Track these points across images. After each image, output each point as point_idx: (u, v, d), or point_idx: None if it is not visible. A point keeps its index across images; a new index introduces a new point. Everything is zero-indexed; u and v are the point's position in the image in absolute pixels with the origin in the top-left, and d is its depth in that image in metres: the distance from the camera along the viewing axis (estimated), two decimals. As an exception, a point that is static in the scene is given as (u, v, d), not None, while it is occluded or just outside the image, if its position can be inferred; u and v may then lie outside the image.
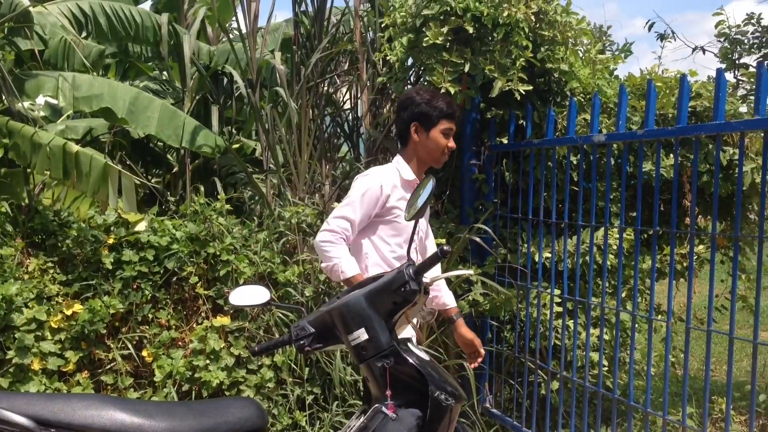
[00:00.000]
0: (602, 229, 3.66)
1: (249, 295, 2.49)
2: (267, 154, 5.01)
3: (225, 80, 6.70)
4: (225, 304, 4.09)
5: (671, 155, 4.13)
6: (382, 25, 4.60)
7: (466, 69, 3.97)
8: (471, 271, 3.15)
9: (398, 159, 3.14)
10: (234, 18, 8.16)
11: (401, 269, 2.22)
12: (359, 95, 5.20)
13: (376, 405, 2.19)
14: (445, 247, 2.16)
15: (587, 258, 3.88)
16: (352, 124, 5.42)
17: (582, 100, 4.32)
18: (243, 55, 5.61)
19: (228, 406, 2.05)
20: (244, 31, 5.38)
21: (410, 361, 2.20)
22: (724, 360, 7.35)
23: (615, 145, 4.02)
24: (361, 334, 2.19)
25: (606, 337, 3.78)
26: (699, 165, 4.11)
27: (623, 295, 4.06)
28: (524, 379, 4.05)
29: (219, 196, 4.51)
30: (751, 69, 6.76)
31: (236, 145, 6.40)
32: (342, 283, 3.01)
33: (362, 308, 2.20)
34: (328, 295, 4.13)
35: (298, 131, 4.76)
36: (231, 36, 7.11)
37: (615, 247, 4.06)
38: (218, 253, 4.14)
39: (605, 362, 3.75)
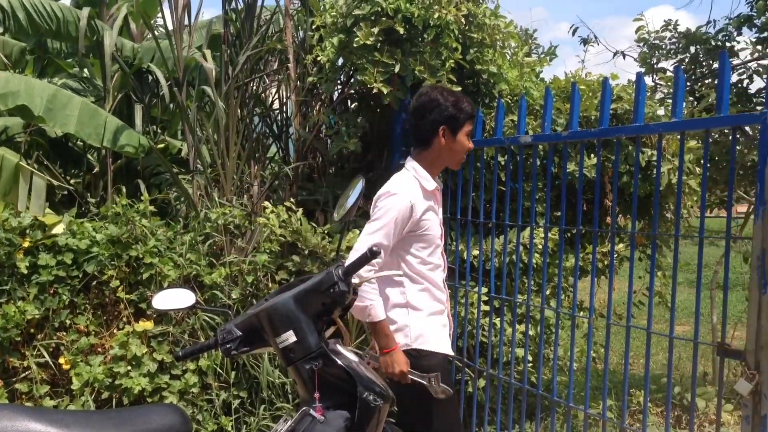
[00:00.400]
0: (528, 228, 3.73)
1: (173, 299, 2.43)
2: (193, 154, 4.90)
3: (150, 78, 6.52)
4: (148, 308, 3.98)
5: (594, 156, 4.24)
6: (313, 26, 4.57)
7: (397, 69, 3.99)
8: (400, 271, 3.16)
9: (415, 166, 2.92)
10: (160, 14, 7.96)
11: (330, 270, 2.20)
12: (289, 95, 5.15)
13: (304, 408, 2.16)
14: (374, 248, 2.16)
15: (514, 257, 3.95)
16: (281, 124, 5.36)
17: (509, 101, 4.39)
18: (169, 53, 5.48)
19: (149, 413, 1.99)
20: (170, 27, 5.25)
21: (339, 362, 2.19)
22: (641, 354, 7.61)
23: (541, 146, 4.10)
24: (290, 337, 2.16)
25: (531, 333, 3.85)
26: (619, 166, 4.24)
27: (548, 292, 4.15)
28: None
29: (142, 197, 4.38)
30: (669, 73, 7.01)
31: (161, 145, 6.24)
32: (367, 326, 2.95)
33: (291, 310, 2.18)
34: (256, 297, 4.07)
35: (225, 131, 4.68)
36: (156, 33, 6.93)
37: (540, 246, 4.15)
38: (141, 255, 4.02)
39: (530, 358, 3.82)
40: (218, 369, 3.98)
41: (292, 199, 4.36)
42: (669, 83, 6.70)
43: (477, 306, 3.95)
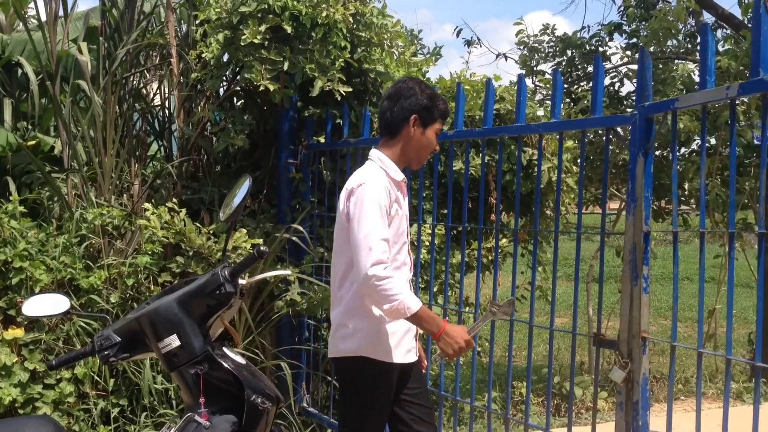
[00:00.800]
0: (416, 225, 3.77)
1: (46, 305, 2.29)
2: (68, 151, 4.65)
3: (20, 71, 6.13)
4: (18, 315, 3.74)
5: (479, 155, 4.36)
6: (197, 21, 4.44)
7: (285, 67, 3.94)
8: (289, 271, 3.13)
9: (380, 156, 2.71)
10: (32, 4, 7.50)
11: (216, 271, 2.15)
12: (171, 91, 4.98)
13: (189, 413, 2.09)
14: (261, 248, 2.12)
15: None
16: (163, 121, 5.18)
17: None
18: (42, 45, 5.17)
19: (21, 425, 1.87)
20: (43, 18, 4.95)
21: (225, 365, 2.13)
22: (524, 346, 7.90)
23: (426, 145, 4.16)
24: (173, 341, 2.09)
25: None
26: (503, 164, 4.37)
27: (435, 289, 4.23)
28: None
29: (11, 197, 4.12)
30: (547, 76, 7.31)
31: (32, 142, 5.88)
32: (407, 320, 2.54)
33: (174, 313, 2.10)
34: (137, 301, 3.91)
35: (103, 128, 4.46)
36: (29, 24, 6.52)
37: (428, 243, 4.22)
38: (10, 259, 3.77)
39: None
40: (96, 377, 3.79)
41: (175, 199, 4.21)
42: (548, 85, 6.98)
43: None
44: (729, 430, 2.29)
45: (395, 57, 4.48)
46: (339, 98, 3.97)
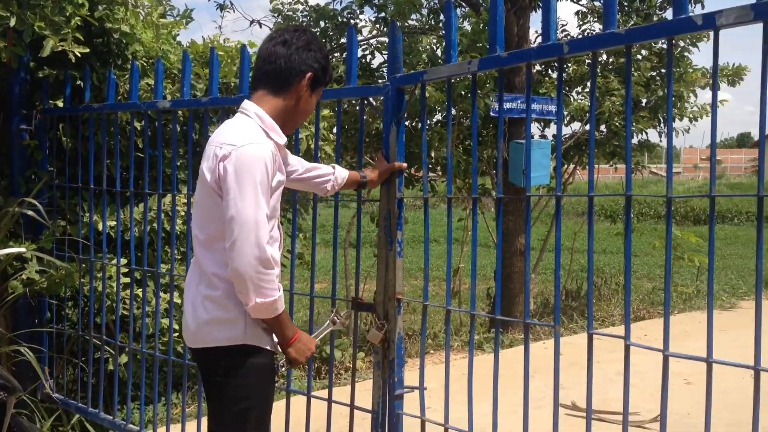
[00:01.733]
0: (170, 196, 3.61)
1: None
2: None
3: None
4: None
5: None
6: None
7: (12, 23, 3.51)
8: (23, 249, 2.82)
9: (260, 113, 2.25)
10: None
11: None
12: None
13: None
14: None
15: (155, 225, 3.80)
16: None
17: (145, 64, 4.17)
18: None
19: None
20: None
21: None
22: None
23: (180, 112, 3.98)
24: None
25: (177, 302, 3.76)
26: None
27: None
28: (89, 357, 3.83)
29: None
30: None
31: None
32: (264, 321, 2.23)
33: None
34: None
35: None
36: None
37: (183, 214, 4.06)
38: None
39: (176, 327, 3.73)
40: None
41: None
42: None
43: (116, 279, 3.73)
44: (473, 376, 2.49)
45: (141, 17, 4.19)
46: (74, 60, 3.63)
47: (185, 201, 3.98)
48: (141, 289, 3.68)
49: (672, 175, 1.97)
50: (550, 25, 2.16)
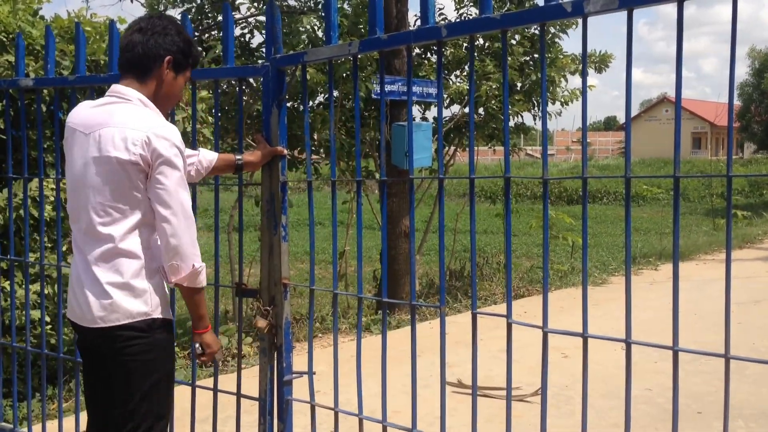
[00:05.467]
0: (36, 180, 3.38)
1: None
2: None
3: None
4: None
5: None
6: None
7: None
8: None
9: (142, 98, 2.25)
10: None
11: None
12: None
13: None
14: None
15: (22, 212, 3.56)
16: None
17: (4, 39, 3.88)
18: None
19: None
20: None
21: None
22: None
23: (46, 91, 3.74)
24: None
25: (48, 292, 3.55)
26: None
27: (64, 248, 3.87)
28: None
29: None
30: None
31: None
32: (188, 292, 2.23)
33: None
34: None
35: None
36: None
37: (52, 199, 3.82)
38: None
39: (48, 319, 3.53)
40: None
41: None
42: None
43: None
44: (362, 358, 2.50)
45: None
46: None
47: (53, 186, 3.74)
48: (8, 281, 3.44)
49: (547, 157, 2.03)
50: (429, 8, 2.18)
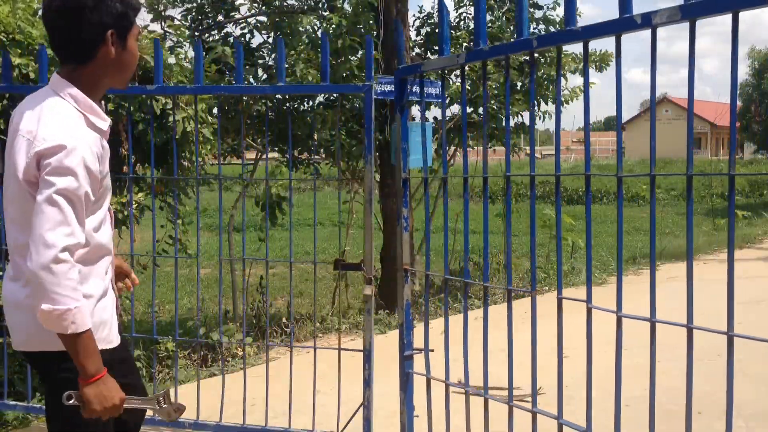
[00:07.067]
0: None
1: None
2: None
3: None
4: None
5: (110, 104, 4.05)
6: None
7: None
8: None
9: (74, 93, 2.00)
10: None
11: None
12: None
13: None
14: None
15: None
16: None
17: (5, 40, 3.89)
18: None
19: None
20: None
21: None
22: (167, 300, 7.76)
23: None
24: None
25: None
26: (134, 114, 4.14)
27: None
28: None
29: None
30: (177, 22, 7.08)
31: None
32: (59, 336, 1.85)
33: None
34: None
35: None
36: None
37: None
38: None
39: None
40: None
41: None
42: (177, 31, 6.76)
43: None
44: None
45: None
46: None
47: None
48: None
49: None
50: (523, 22, 2.33)
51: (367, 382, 3.25)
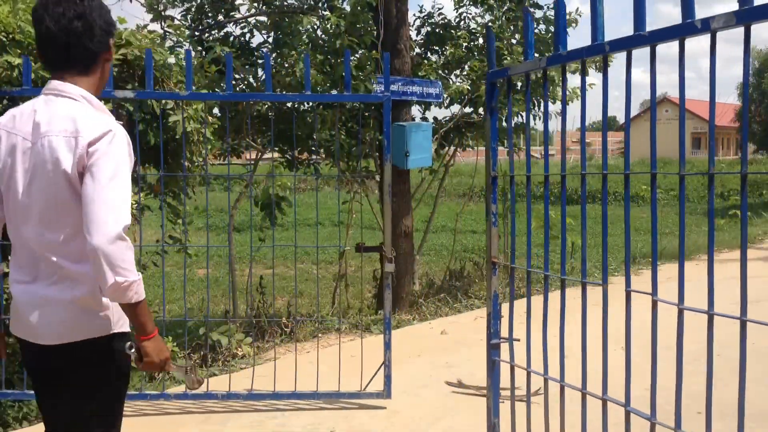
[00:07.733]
0: None
1: None
2: None
3: None
4: None
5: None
6: None
7: None
8: None
9: (88, 97, 2.11)
10: None
11: None
12: None
13: None
14: None
15: None
16: None
17: (5, 40, 3.89)
18: None
19: None
20: None
21: None
22: (169, 300, 7.74)
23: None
24: None
25: None
26: (134, 115, 4.13)
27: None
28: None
29: None
30: (177, 21, 7.07)
31: None
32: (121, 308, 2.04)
33: None
34: None
35: None
36: None
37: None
38: None
39: None
40: None
41: None
42: (178, 31, 6.76)
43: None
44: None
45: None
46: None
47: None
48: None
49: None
50: (598, 29, 2.41)
51: (388, 345, 3.95)
